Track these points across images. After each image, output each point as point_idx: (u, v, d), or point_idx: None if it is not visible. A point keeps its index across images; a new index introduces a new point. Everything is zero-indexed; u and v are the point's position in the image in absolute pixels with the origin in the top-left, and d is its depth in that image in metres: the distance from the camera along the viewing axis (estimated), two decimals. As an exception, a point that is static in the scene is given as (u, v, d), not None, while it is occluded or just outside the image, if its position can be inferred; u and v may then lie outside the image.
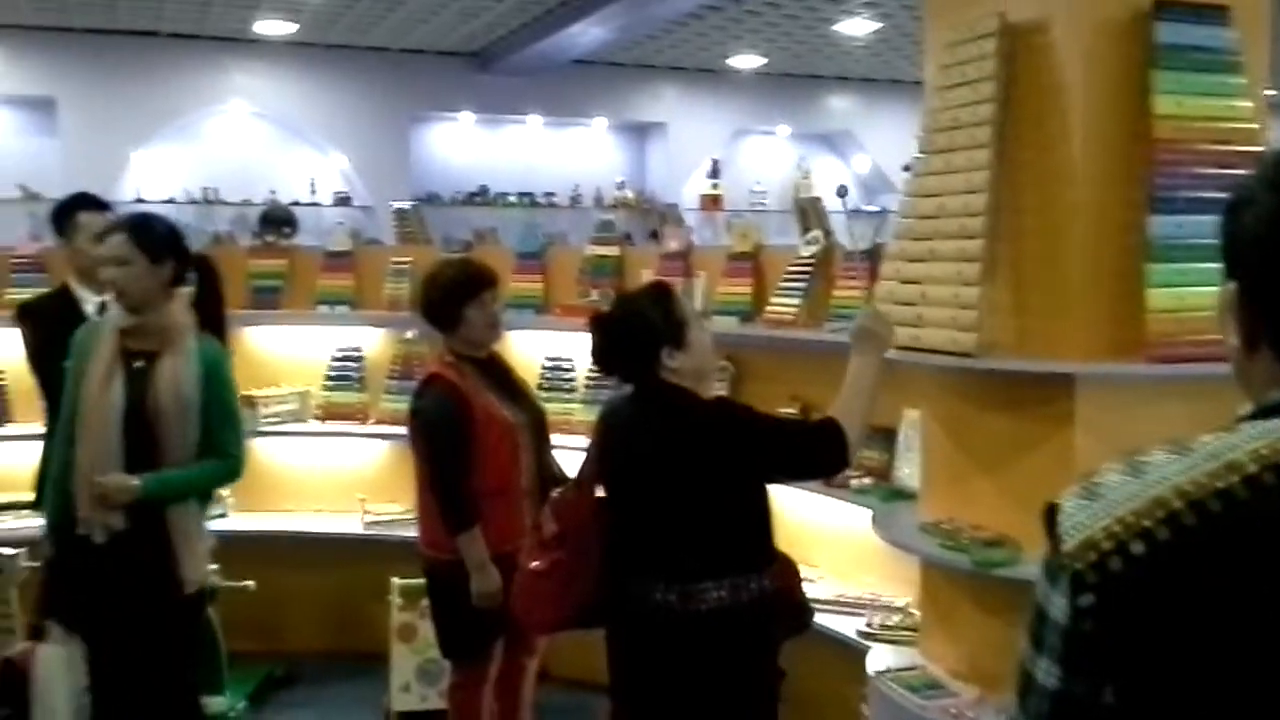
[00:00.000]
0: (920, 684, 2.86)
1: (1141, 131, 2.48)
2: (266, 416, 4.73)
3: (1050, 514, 0.98)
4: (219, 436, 2.98)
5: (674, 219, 4.86)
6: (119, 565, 2.86)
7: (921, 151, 2.83)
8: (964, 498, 2.91)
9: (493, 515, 3.31)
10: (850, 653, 3.30)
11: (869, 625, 3.41)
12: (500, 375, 3.50)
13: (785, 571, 2.65)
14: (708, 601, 2.46)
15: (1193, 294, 2.45)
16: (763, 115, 9.94)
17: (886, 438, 3.58)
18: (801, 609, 2.74)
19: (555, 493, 2.84)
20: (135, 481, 2.84)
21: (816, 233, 3.82)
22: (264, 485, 4.68)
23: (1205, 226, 2.46)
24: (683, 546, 2.50)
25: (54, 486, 2.97)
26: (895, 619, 3.44)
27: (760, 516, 2.56)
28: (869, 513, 3.28)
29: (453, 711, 3.55)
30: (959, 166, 2.68)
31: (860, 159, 10.49)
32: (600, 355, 2.62)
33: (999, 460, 2.78)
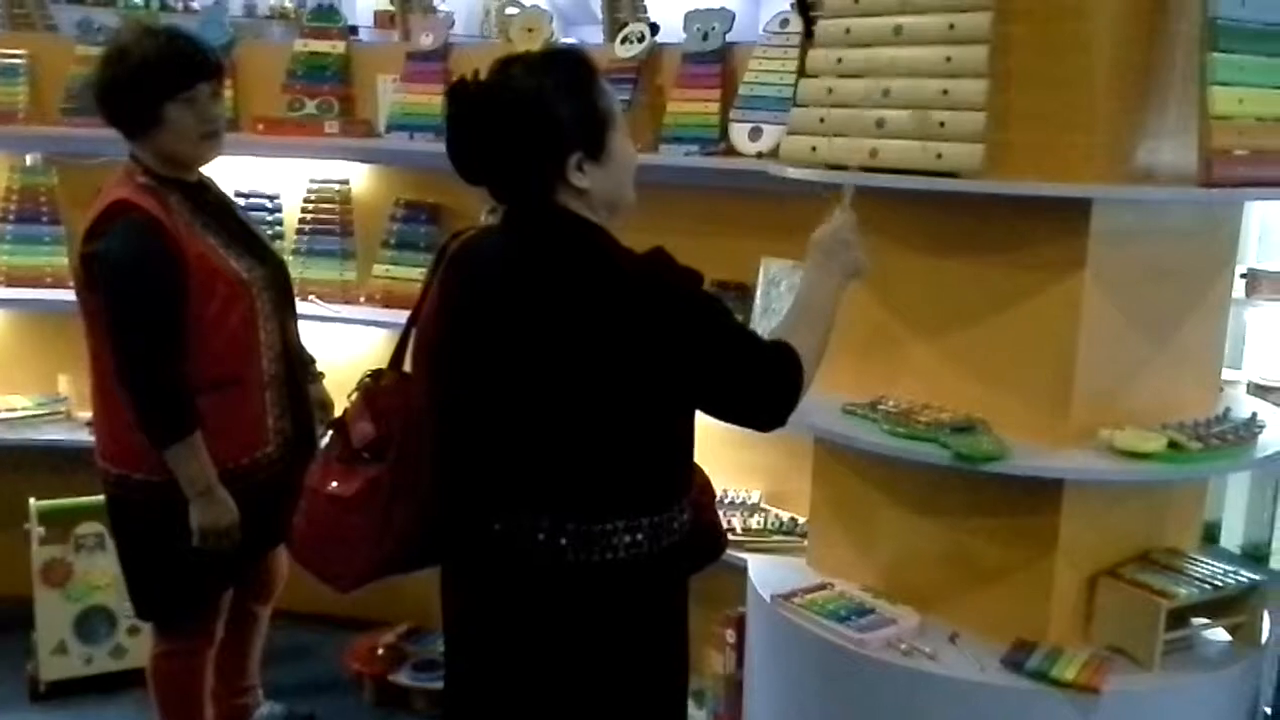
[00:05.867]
0: (843, 609, 2.21)
1: None
2: None
3: None
4: None
5: (422, 4, 3.71)
6: None
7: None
8: (893, 372, 2.25)
9: (221, 414, 2.26)
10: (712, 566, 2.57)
11: (732, 530, 2.71)
12: (219, 210, 2.36)
13: (698, 488, 1.87)
14: (617, 549, 1.64)
15: (1255, 96, 1.86)
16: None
17: (739, 297, 2.83)
18: (716, 533, 1.99)
19: (364, 379, 1.83)
20: None
21: (637, 27, 2.90)
22: None
23: (1273, 8, 1.88)
24: (583, 470, 1.63)
25: None
26: (757, 520, 2.77)
27: (691, 426, 1.73)
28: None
29: (157, 688, 2.51)
30: (945, -92, 1.90)
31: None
32: (464, 155, 1.63)
33: (960, 322, 2.12)
